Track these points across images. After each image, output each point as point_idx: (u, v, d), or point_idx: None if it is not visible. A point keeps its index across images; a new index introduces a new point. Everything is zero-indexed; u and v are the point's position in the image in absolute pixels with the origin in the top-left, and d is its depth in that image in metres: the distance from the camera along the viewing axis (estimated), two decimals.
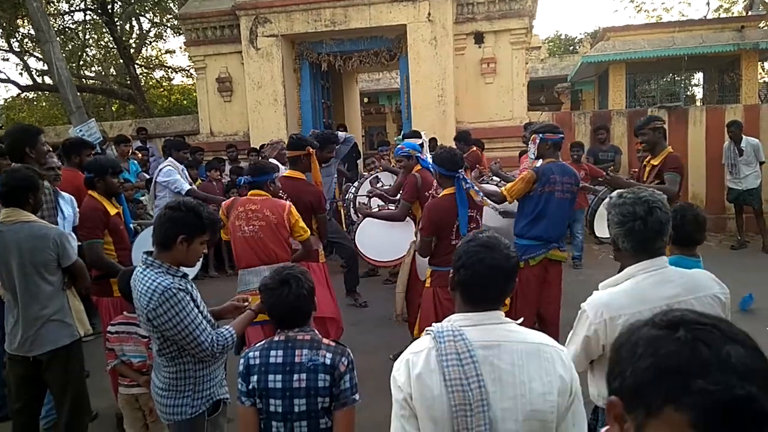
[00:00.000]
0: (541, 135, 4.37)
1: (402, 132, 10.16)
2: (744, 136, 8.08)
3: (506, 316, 3.74)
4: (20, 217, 3.11)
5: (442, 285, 3.75)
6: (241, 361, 2.14)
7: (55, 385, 3.27)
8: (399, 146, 5.47)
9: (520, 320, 1.70)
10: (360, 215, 5.45)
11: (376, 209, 5.43)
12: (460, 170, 3.89)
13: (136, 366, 3.28)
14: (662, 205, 2.06)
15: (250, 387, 2.09)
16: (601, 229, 4.79)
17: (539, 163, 4.38)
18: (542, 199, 4.24)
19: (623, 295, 2.03)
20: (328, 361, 2.08)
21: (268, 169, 3.95)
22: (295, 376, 2.06)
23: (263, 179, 3.88)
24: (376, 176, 6.03)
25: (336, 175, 6.78)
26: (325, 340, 2.18)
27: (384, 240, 5.18)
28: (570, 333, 2.18)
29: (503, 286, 1.68)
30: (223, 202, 4.02)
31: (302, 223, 3.88)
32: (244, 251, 3.79)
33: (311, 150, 4.67)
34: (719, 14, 20.54)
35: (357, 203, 6.24)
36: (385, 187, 5.99)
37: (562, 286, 4.66)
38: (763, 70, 18.50)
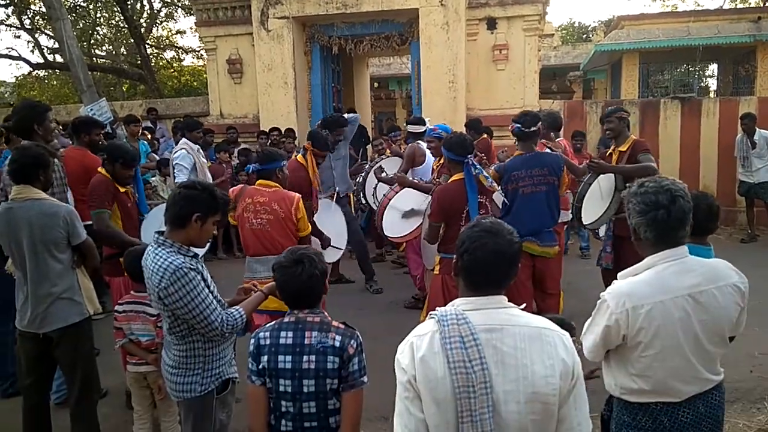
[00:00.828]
0: (513, 123, 4.38)
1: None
2: (757, 129, 8.01)
3: None
4: (31, 194, 3.12)
5: (451, 272, 3.75)
6: (252, 341, 2.17)
7: (65, 363, 3.30)
8: (431, 128, 5.49)
9: (523, 305, 1.72)
10: (392, 189, 5.33)
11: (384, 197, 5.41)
12: (469, 155, 3.88)
13: (145, 344, 3.31)
14: (684, 194, 2.04)
15: (260, 367, 2.11)
16: (588, 217, 4.78)
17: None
18: (509, 196, 4.28)
19: (645, 284, 2.02)
20: (337, 344, 2.10)
21: (276, 156, 3.92)
22: (305, 358, 2.08)
23: (272, 167, 3.85)
24: (380, 166, 5.95)
25: (348, 158, 6.75)
26: (334, 323, 2.20)
27: (405, 215, 5.24)
28: (587, 323, 2.16)
29: (506, 271, 1.69)
30: (231, 189, 3.99)
31: (306, 219, 3.90)
32: (252, 241, 3.81)
33: (308, 146, 4.68)
34: (735, 4, 20.23)
35: (367, 190, 6.27)
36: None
37: (557, 278, 4.64)
38: None
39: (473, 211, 3.82)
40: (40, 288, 3.14)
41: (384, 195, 5.39)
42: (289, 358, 2.09)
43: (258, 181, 3.87)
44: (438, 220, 3.92)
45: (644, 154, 4.57)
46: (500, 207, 4.61)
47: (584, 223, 4.82)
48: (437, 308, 1.69)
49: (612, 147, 4.85)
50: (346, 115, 6.26)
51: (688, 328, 2.00)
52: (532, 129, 4.29)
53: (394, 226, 5.27)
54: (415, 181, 5.22)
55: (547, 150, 4.76)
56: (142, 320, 3.29)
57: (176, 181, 6.39)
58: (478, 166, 3.92)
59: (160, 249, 2.41)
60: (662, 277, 2.02)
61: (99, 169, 3.98)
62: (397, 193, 5.24)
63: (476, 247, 1.67)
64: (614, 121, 4.73)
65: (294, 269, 2.16)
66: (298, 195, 3.89)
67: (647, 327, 1.98)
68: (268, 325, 2.22)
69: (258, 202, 3.75)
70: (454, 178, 3.97)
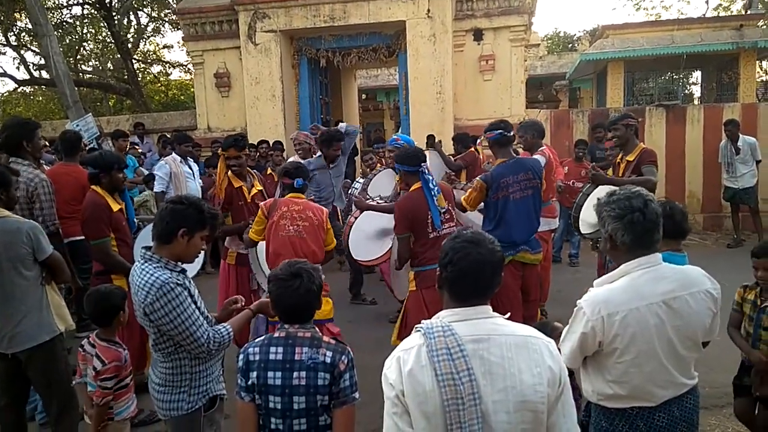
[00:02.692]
0: (486, 134, 4.36)
1: (400, 129, 10.18)
2: (741, 135, 8.10)
3: None
4: None
5: (428, 285, 3.69)
6: (241, 356, 2.14)
7: (39, 383, 3.22)
8: (394, 137, 5.44)
9: (508, 315, 1.72)
10: (357, 209, 5.15)
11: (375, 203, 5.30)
12: (423, 164, 3.91)
13: (88, 393, 2.99)
14: (653, 198, 2.11)
15: (250, 383, 2.09)
16: (586, 227, 4.80)
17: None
18: (498, 205, 4.19)
19: (620, 291, 2.05)
20: (328, 360, 2.07)
21: (308, 173, 4.13)
22: (295, 374, 2.06)
23: (305, 183, 4.05)
24: (365, 186, 5.80)
25: (344, 174, 6.65)
26: (325, 338, 2.17)
27: (373, 237, 5.02)
28: (564, 330, 2.18)
29: (490, 280, 1.70)
30: (263, 203, 4.04)
31: (332, 233, 4.00)
32: (285, 249, 3.77)
33: (220, 152, 4.66)
34: (718, 13, 20.56)
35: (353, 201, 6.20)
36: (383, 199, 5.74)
37: (547, 285, 4.65)
38: (762, 69, 18.54)
39: (436, 218, 3.82)
40: (7, 307, 3.08)
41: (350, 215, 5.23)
42: (279, 374, 2.06)
43: (290, 194, 3.98)
44: (403, 231, 3.89)
45: (648, 166, 4.51)
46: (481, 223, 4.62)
47: (583, 232, 4.84)
48: (423, 321, 1.69)
49: (620, 155, 4.77)
50: (341, 125, 6.16)
51: (662, 334, 2.03)
52: (512, 134, 4.33)
53: (361, 247, 5.05)
54: (372, 203, 5.04)
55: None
56: (92, 368, 2.96)
57: (154, 190, 6.56)
58: (430, 176, 3.92)
59: (146, 264, 2.39)
60: (637, 285, 2.05)
61: (93, 187, 3.89)
62: (357, 218, 5.05)
63: (459, 258, 1.67)
64: (621, 129, 4.66)
65: (291, 283, 2.13)
66: (325, 208, 4.08)
67: (622, 333, 2.01)
68: (257, 340, 2.19)
69: (294, 210, 3.86)
70: (413, 187, 3.95)
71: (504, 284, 4.21)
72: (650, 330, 2.01)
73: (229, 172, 4.56)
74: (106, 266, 3.83)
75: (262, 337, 2.18)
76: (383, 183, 5.73)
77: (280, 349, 2.09)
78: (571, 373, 2.15)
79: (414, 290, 3.90)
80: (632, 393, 2.07)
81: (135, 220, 4.24)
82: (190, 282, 2.47)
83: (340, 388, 2.08)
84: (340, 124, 6.49)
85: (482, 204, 4.36)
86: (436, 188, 3.85)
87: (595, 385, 2.15)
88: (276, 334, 2.15)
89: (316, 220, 3.85)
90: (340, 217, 6.85)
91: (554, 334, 2.73)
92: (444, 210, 3.89)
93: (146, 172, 7.93)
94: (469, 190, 4.42)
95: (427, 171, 3.89)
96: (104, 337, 2.99)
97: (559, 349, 2.20)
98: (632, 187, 2.15)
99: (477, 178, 4.45)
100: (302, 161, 5.61)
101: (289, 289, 2.13)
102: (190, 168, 7.13)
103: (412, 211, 3.84)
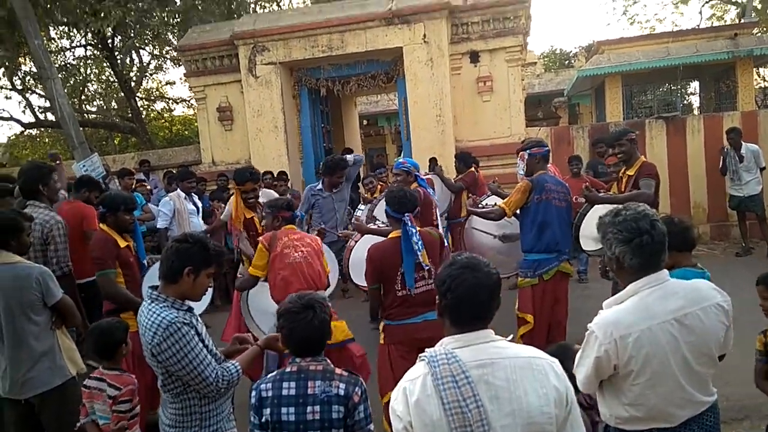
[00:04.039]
0: (528, 151, 4.51)
1: (402, 153, 10.25)
2: (743, 143, 8.10)
3: (528, 333, 3.65)
4: (4, 259, 3.12)
5: (396, 341, 3.50)
6: (253, 393, 2.13)
7: (52, 428, 3.20)
8: (400, 160, 5.47)
9: (510, 337, 1.73)
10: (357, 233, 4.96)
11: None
12: (408, 213, 3.55)
13: (103, 427, 2.98)
14: (658, 217, 2.10)
15: (263, 420, 2.07)
16: (588, 243, 4.82)
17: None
18: (540, 208, 4.30)
19: (630, 312, 2.03)
20: (341, 392, 2.06)
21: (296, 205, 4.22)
22: (309, 408, 2.04)
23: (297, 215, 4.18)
24: (372, 214, 5.76)
25: (348, 200, 6.69)
26: (338, 370, 2.15)
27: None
28: (578, 355, 2.16)
29: (489, 304, 1.71)
30: (262, 237, 4.12)
31: (325, 257, 4.12)
32: (295, 277, 3.81)
33: (236, 186, 4.83)
34: (712, 23, 20.72)
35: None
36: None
37: (568, 301, 4.68)
38: (759, 76, 18.60)
39: (408, 275, 3.45)
40: (19, 352, 3.09)
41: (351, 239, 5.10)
42: (292, 410, 2.05)
43: (286, 227, 4.08)
44: (373, 282, 3.57)
45: (645, 179, 4.55)
46: (501, 239, 4.66)
47: (585, 249, 4.87)
48: (426, 350, 1.69)
49: (623, 170, 4.85)
50: (348, 157, 6.22)
51: (676, 352, 2.01)
52: (548, 149, 4.61)
53: (361, 272, 4.80)
54: (372, 227, 4.79)
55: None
56: (103, 400, 2.98)
57: (157, 226, 6.70)
58: (414, 228, 3.54)
59: (153, 304, 2.38)
60: (646, 304, 2.03)
61: (100, 225, 3.98)
62: (357, 241, 4.84)
63: (457, 284, 1.69)
64: (626, 144, 4.72)
65: (304, 315, 2.13)
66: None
67: (636, 355, 1.98)
68: (269, 375, 2.18)
69: (294, 239, 3.97)
70: (391, 235, 3.66)
71: (544, 299, 4.29)
72: (664, 349, 1.99)
73: (242, 204, 4.65)
74: (112, 299, 3.83)
75: (274, 373, 2.18)
76: (382, 211, 5.73)
77: (293, 384, 2.08)
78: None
79: (382, 344, 3.63)
80: (649, 415, 2.04)
81: (145, 261, 4.26)
82: (197, 320, 2.47)
83: (354, 420, 2.07)
84: (348, 156, 6.54)
85: (503, 228, 4.46)
86: (420, 243, 3.47)
87: (612, 408, 2.12)
88: (288, 369, 2.14)
89: (315, 246, 4.02)
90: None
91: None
92: (426, 267, 3.49)
93: (155, 208, 8.00)
94: (513, 192, 4.49)
95: (410, 222, 3.52)
96: (111, 367, 3.01)
97: (574, 375, 2.20)
98: (638, 206, 2.11)
99: (523, 180, 4.47)
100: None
101: (302, 321, 2.13)
102: (195, 204, 7.19)
103: (381, 262, 3.51)
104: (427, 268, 3.48)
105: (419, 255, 3.44)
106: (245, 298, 4.34)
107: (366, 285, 4.95)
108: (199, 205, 7.37)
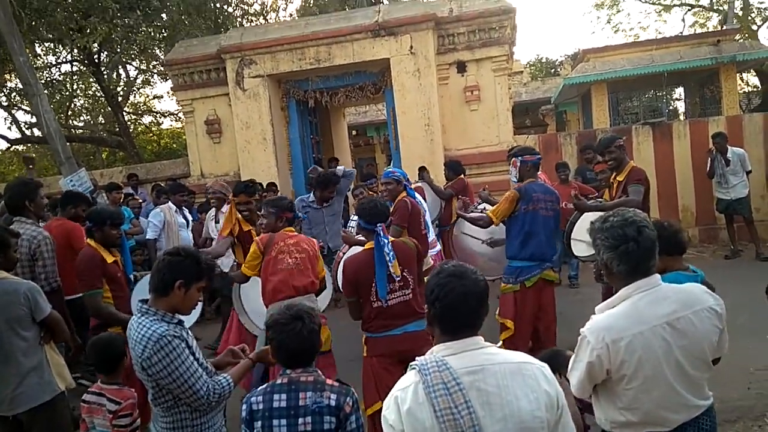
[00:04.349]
0: (520, 158, 4.54)
1: (391, 162, 10.27)
2: (729, 147, 8.19)
3: (510, 339, 3.69)
4: None
5: (378, 353, 3.45)
6: (244, 407, 2.11)
7: None
8: (389, 170, 5.47)
9: (499, 344, 1.73)
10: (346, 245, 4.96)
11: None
12: (380, 224, 3.50)
13: None
14: (648, 223, 2.08)
15: None
16: (579, 248, 4.87)
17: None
18: (528, 218, 4.34)
19: (622, 316, 2.04)
20: (333, 403, 2.06)
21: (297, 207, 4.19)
22: (300, 420, 2.04)
23: (297, 216, 4.12)
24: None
25: (341, 212, 6.66)
26: (328, 381, 2.15)
27: None
28: (571, 360, 2.16)
29: (478, 311, 1.72)
30: (259, 238, 4.13)
31: (322, 261, 4.11)
32: (284, 283, 3.82)
33: (231, 198, 4.84)
34: (695, 30, 20.98)
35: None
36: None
37: (555, 307, 4.70)
38: (743, 81, 18.87)
39: (381, 288, 3.38)
40: (7, 367, 3.07)
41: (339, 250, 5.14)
42: (284, 421, 2.04)
43: (285, 229, 4.06)
44: (350, 295, 3.52)
45: (633, 185, 4.62)
46: (489, 245, 4.66)
47: (577, 255, 4.92)
48: (417, 358, 1.69)
49: (613, 175, 4.92)
50: (338, 169, 6.24)
51: (669, 356, 2.01)
52: (539, 157, 4.62)
53: None
54: (361, 238, 4.65)
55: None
56: (103, 415, 2.96)
57: (147, 237, 6.69)
58: (386, 239, 3.51)
59: (143, 318, 2.37)
60: (638, 308, 2.04)
61: (87, 240, 3.94)
62: (345, 252, 4.84)
63: (446, 293, 1.69)
64: (615, 151, 4.78)
65: (293, 326, 2.12)
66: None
67: (629, 359, 1.99)
68: (259, 388, 2.16)
69: (290, 243, 3.95)
70: (366, 247, 3.60)
71: (526, 306, 4.30)
72: (657, 353, 1.99)
73: (239, 216, 4.65)
74: (99, 318, 3.82)
75: (264, 386, 2.16)
76: None
77: (284, 396, 2.07)
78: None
79: (366, 356, 3.57)
80: (644, 419, 2.04)
81: (132, 275, 4.20)
82: (188, 333, 2.45)
83: (347, 430, 2.06)
84: (338, 168, 6.55)
85: (492, 234, 4.45)
86: (391, 254, 3.42)
87: (607, 413, 2.13)
88: (279, 381, 2.13)
89: (311, 250, 3.98)
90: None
91: (567, 362, 2.73)
92: (398, 278, 3.42)
93: (144, 221, 7.94)
94: (499, 202, 4.53)
95: (382, 233, 3.48)
96: (111, 381, 2.99)
97: (567, 380, 2.20)
98: (626, 213, 2.11)
99: (511, 190, 4.51)
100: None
101: (291, 332, 2.12)
102: (185, 218, 7.15)
103: (356, 275, 3.46)
104: (398, 279, 3.41)
105: (390, 266, 3.38)
106: (238, 294, 4.36)
107: None
108: (189, 218, 7.34)
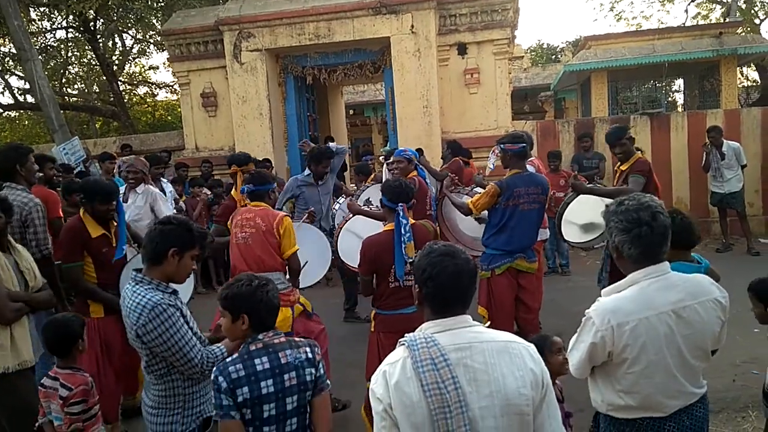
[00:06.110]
0: (501, 146, 4.43)
1: (388, 143, 10.22)
2: (725, 141, 8.20)
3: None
4: None
5: (386, 330, 3.52)
6: (220, 378, 2.06)
7: None
8: (401, 148, 5.47)
9: (488, 324, 1.75)
10: (349, 212, 5.02)
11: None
12: (401, 204, 3.55)
13: (57, 427, 2.80)
14: (663, 210, 2.08)
15: (240, 400, 2.05)
16: (570, 232, 4.87)
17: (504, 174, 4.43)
18: (506, 213, 4.29)
19: (629, 301, 2.04)
20: (310, 355, 2.17)
21: (268, 179, 4.04)
22: (285, 377, 2.10)
23: (264, 188, 3.96)
24: (368, 198, 5.83)
25: (332, 191, 6.63)
26: (295, 338, 2.26)
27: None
28: (572, 340, 2.18)
29: (468, 289, 1.74)
30: (233, 214, 4.10)
31: (293, 238, 3.86)
32: (237, 259, 3.83)
33: (236, 168, 4.84)
34: (697, 21, 20.87)
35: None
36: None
37: (540, 296, 4.71)
38: (743, 75, 18.83)
39: (399, 267, 3.45)
40: None
41: (342, 218, 5.23)
42: (270, 381, 2.08)
43: (252, 203, 3.97)
44: (366, 273, 3.58)
45: (634, 176, 4.63)
46: (477, 221, 4.66)
47: (567, 239, 4.92)
48: (406, 335, 1.71)
49: (617, 165, 4.94)
50: (331, 146, 6.21)
51: (672, 344, 2.02)
52: (523, 146, 4.36)
53: (351, 252, 4.77)
54: (365, 208, 4.86)
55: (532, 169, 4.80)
56: (57, 400, 2.79)
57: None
58: (405, 219, 3.53)
59: (137, 286, 2.38)
60: (646, 294, 2.04)
61: (80, 212, 3.87)
62: (347, 220, 4.98)
63: (438, 271, 1.70)
64: (626, 144, 4.82)
65: (259, 291, 2.19)
66: (285, 213, 3.98)
67: (632, 343, 2.00)
68: (232, 357, 2.15)
69: (245, 218, 3.87)
70: (386, 227, 3.65)
71: (498, 293, 4.29)
72: (660, 340, 2.00)
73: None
74: (77, 292, 3.82)
75: (235, 355, 2.15)
76: (374, 197, 5.74)
77: (265, 359, 2.11)
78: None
79: (373, 332, 3.66)
80: (643, 403, 2.06)
81: (124, 247, 4.08)
82: (182, 303, 2.46)
83: (316, 377, 2.17)
84: (330, 143, 6.51)
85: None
86: (407, 235, 3.47)
87: (605, 395, 2.14)
88: (253, 347, 2.14)
89: (264, 225, 3.77)
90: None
91: (554, 348, 2.74)
92: (411, 260, 3.40)
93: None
94: (480, 193, 4.45)
95: (402, 213, 3.52)
96: (66, 365, 2.84)
97: (566, 360, 2.22)
98: (642, 197, 2.11)
99: (491, 183, 4.44)
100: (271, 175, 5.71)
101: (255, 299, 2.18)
102: (162, 190, 7.03)
103: (375, 255, 3.53)
104: (412, 260, 3.35)
105: (404, 246, 3.43)
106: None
107: (354, 266, 4.90)
108: (168, 189, 7.21)
